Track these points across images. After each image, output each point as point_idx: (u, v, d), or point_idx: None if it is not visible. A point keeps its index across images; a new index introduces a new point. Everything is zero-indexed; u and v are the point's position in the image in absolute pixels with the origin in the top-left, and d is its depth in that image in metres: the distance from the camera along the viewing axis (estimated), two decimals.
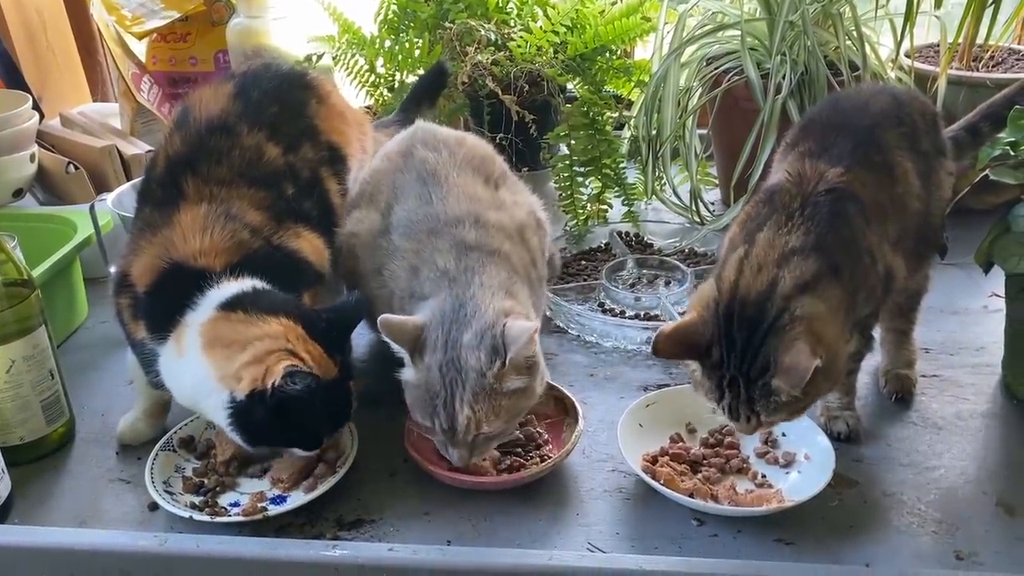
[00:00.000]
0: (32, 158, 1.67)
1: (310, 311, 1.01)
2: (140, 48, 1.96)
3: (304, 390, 0.90)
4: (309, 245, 1.11)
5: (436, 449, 1.09)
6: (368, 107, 1.79)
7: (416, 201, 1.12)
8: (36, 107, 1.75)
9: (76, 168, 1.68)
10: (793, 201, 0.97)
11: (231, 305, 0.97)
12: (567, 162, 1.66)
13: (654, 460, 1.05)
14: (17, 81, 1.98)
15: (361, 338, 1.37)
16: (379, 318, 0.98)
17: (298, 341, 0.95)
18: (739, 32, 1.56)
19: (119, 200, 1.45)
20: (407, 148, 1.19)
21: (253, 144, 1.10)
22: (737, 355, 0.90)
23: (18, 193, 1.68)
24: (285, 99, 1.17)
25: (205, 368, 0.96)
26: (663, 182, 1.70)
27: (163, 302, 1.01)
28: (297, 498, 1.01)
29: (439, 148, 1.17)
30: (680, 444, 1.09)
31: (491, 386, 0.96)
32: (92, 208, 1.40)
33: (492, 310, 0.99)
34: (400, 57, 1.72)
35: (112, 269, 1.40)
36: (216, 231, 1.03)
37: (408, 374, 1.00)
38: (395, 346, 1.00)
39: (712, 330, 0.91)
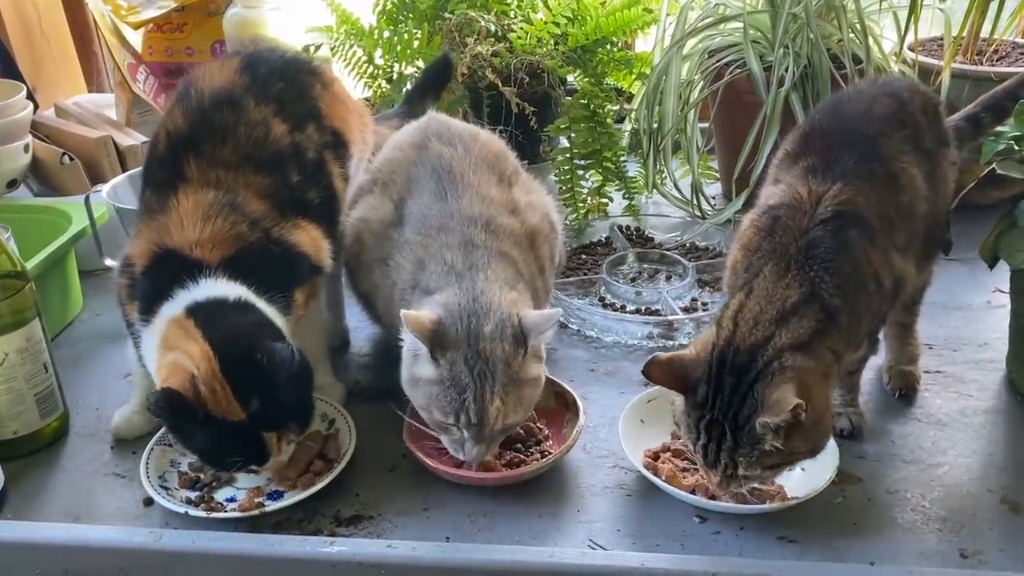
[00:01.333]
0: (26, 149, 1.65)
1: (245, 350, 0.93)
2: (136, 38, 1.94)
3: (168, 415, 0.91)
4: (308, 237, 1.09)
5: (436, 443, 1.08)
6: (366, 99, 1.77)
7: (431, 197, 1.11)
8: (30, 97, 1.73)
9: (71, 159, 1.66)
10: (791, 243, 0.96)
11: (193, 311, 0.96)
12: (567, 155, 1.65)
13: (656, 456, 1.04)
14: (11, 71, 1.96)
15: (361, 332, 1.36)
16: (401, 312, 0.96)
17: (207, 373, 0.91)
18: (741, 24, 1.55)
19: (114, 191, 1.43)
20: (421, 140, 1.18)
21: (260, 119, 1.08)
22: (724, 399, 0.90)
23: (12, 184, 1.66)
24: (291, 78, 1.16)
25: (153, 355, 0.97)
26: (664, 176, 1.69)
27: (152, 286, 1.00)
28: (294, 494, 1.00)
29: (454, 143, 1.16)
30: (682, 440, 1.08)
31: (516, 376, 0.96)
32: (87, 199, 1.39)
33: (505, 301, 0.99)
34: (399, 48, 1.71)
35: (107, 261, 1.40)
36: (215, 222, 1.01)
37: (426, 371, 0.97)
38: (410, 342, 0.97)
39: (704, 369, 0.92)
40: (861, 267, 0.96)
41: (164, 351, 0.95)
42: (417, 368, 0.98)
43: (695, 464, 1.03)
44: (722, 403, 0.90)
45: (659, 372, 0.93)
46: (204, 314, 0.96)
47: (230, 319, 0.96)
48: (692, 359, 0.93)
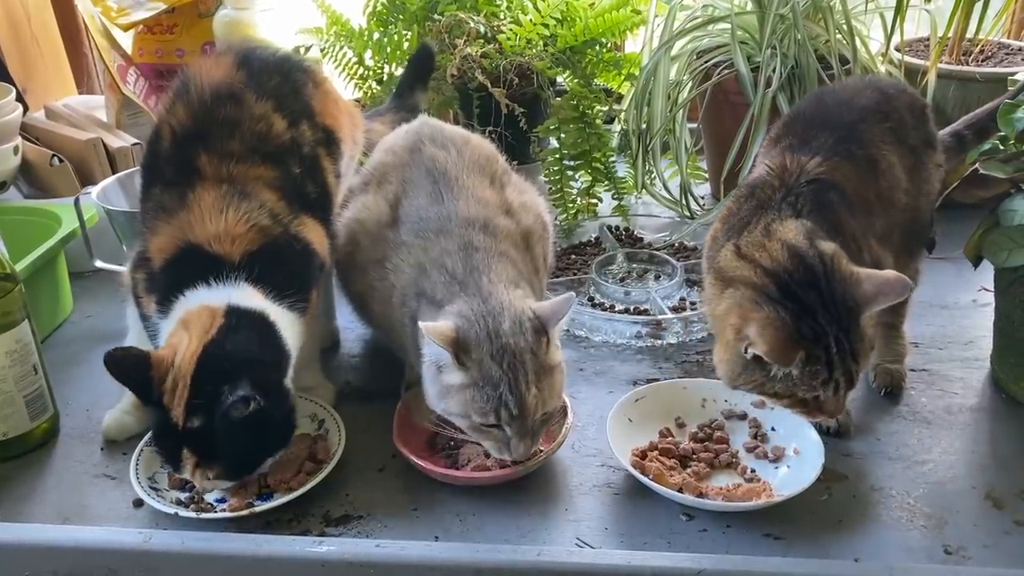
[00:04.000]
0: (16, 151, 1.65)
1: (221, 377, 0.92)
2: (126, 40, 1.94)
3: (121, 376, 0.94)
4: (316, 235, 1.10)
5: (425, 444, 1.09)
6: (357, 100, 1.78)
7: (427, 199, 1.11)
8: (20, 99, 1.73)
9: (61, 161, 1.66)
10: (775, 193, 0.97)
11: (230, 313, 0.97)
12: (557, 156, 1.66)
13: (643, 455, 1.05)
14: (1, 73, 1.96)
15: (351, 332, 1.36)
16: (421, 324, 0.96)
17: (180, 368, 0.92)
18: (729, 25, 1.56)
19: (104, 193, 1.43)
20: (414, 144, 1.18)
21: (262, 113, 1.09)
22: (823, 314, 0.89)
23: (2, 186, 1.66)
24: (285, 75, 1.16)
25: (169, 327, 0.98)
26: (653, 176, 1.69)
27: (175, 279, 1.01)
28: (284, 494, 1.00)
29: (447, 146, 1.17)
30: (669, 439, 1.09)
31: (543, 363, 0.97)
32: (77, 201, 1.39)
33: (513, 298, 1.00)
34: (389, 50, 1.71)
35: (97, 263, 1.40)
36: (237, 216, 1.02)
37: (455, 378, 0.96)
38: (432, 355, 0.97)
39: (787, 313, 0.90)
40: (842, 225, 0.98)
41: (181, 328, 0.97)
42: (444, 378, 0.97)
43: (682, 463, 1.05)
44: (825, 318, 0.89)
45: (787, 349, 0.90)
46: (236, 321, 0.96)
47: (247, 342, 0.96)
48: (776, 319, 0.90)
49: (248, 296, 1.00)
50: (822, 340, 0.90)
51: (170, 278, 1.01)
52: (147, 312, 1.05)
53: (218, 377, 0.91)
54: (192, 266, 1.00)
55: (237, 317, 0.97)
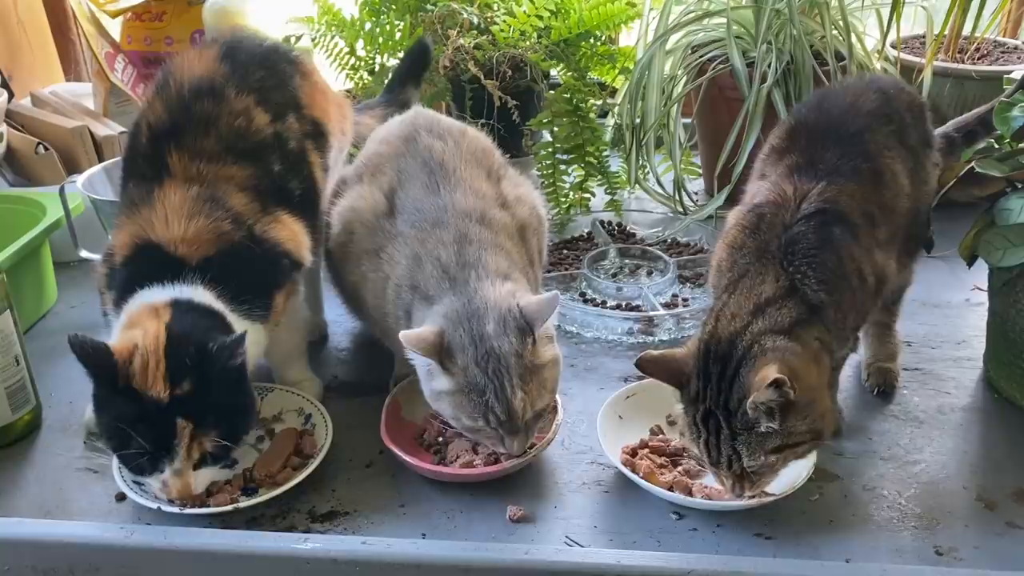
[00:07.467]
0: (0, 138, 1.63)
1: (197, 338, 0.93)
2: (114, 27, 1.92)
3: (87, 362, 0.91)
4: (288, 232, 1.08)
5: (414, 440, 1.08)
6: (348, 91, 1.76)
7: (423, 190, 1.10)
8: (6, 86, 1.71)
9: (46, 149, 1.64)
10: (773, 239, 0.96)
11: (175, 305, 0.96)
12: (550, 149, 1.64)
13: (634, 453, 1.04)
14: None
15: (339, 326, 1.35)
16: (400, 334, 0.95)
17: (149, 347, 0.92)
18: (725, 20, 1.55)
19: (90, 182, 1.41)
20: (410, 134, 1.17)
21: (242, 109, 1.07)
22: (713, 388, 0.90)
23: None
24: (271, 67, 1.15)
25: (116, 333, 0.98)
26: (646, 171, 1.68)
27: (130, 277, 1.00)
28: (269, 489, 0.99)
29: (444, 137, 1.16)
30: (660, 436, 1.08)
31: (531, 363, 0.96)
32: (62, 190, 1.37)
33: (500, 295, 0.99)
34: (381, 40, 1.70)
35: (82, 253, 1.38)
36: (199, 219, 1.00)
37: (443, 383, 0.96)
38: (421, 360, 0.97)
39: (692, 364, 0.93)
40: (844, 263, 0.96)
41: (128, 327, 0.95)
42: (435, 383, 0.98)
43: (672, 462, 1.04)
44: (712, 393, 0.90)
45: (651, 366, 0.94)
46: (183, 309, 0.96)
47: (201, 321, 0.96)
48: (682, 355, 0.94)
49: (201, 295, 0.98)
50: (696, 404, 0.92)
51: (127, 275, 1.00)
52: (105, 308, 1.04)
53: (193, 340, 0.92)
54: (148, 265, 0.99)
55: (188, 308, 0.96)
